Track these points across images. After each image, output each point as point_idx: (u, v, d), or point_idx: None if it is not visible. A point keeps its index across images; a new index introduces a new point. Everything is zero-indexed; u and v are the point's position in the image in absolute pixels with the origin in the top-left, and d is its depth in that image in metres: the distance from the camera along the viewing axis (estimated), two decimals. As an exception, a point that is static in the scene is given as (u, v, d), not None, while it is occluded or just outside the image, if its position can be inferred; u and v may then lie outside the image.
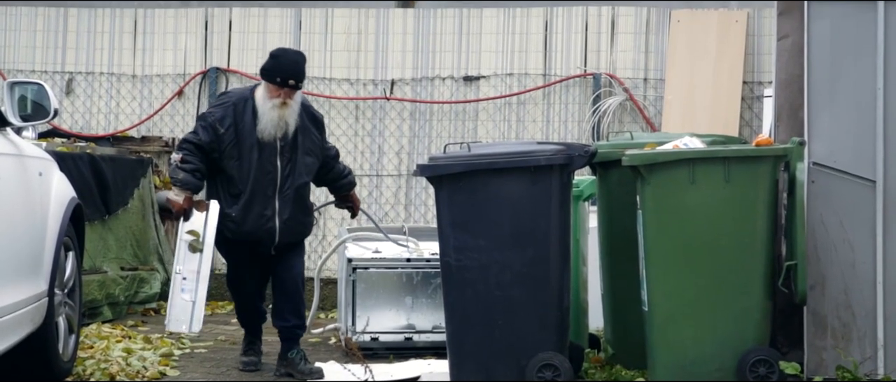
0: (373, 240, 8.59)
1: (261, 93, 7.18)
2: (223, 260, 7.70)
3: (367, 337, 8.14)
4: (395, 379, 7.24)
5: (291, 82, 7.12)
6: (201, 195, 7.45)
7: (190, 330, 7.03)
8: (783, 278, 6.69)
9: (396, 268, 8.22)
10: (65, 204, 7.12)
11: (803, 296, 6.68)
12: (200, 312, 7.01)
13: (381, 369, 7.28)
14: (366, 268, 8.21)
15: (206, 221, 7.11)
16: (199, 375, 7.42)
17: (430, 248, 8.22)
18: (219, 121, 7.15)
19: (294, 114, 7.19)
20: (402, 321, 8.15)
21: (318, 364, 7.41)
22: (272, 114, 7.13)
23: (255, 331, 7.56)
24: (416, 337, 8.14)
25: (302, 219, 7.36)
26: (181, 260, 7.08)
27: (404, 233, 8.74)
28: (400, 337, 8.15)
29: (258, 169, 7.15)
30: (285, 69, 7.14)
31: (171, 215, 7.38)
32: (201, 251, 7.06)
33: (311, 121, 7.34)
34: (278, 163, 7.18)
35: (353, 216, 7.91)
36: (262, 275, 7.47)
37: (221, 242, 7.27)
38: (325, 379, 7.23)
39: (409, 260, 8.19)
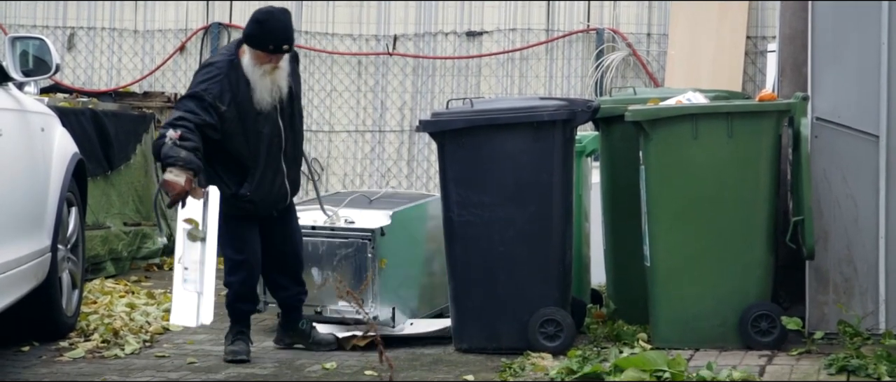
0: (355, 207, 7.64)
1: (249, 62, 6.52)
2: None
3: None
4: (405, 333, 7.22)
5: (285, 47, 6.50)
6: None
7: (197, 324, 6.47)
8: (790, 234, 6.68)
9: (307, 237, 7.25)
10: (67, 160, 7.12)
11: (811, 251, 6.68)
12: (209, 303, 6.37)
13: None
14: None
15: (205, 208, 6.42)
16: (201, 330, 7.43)
17: (358, 217, 7.31)
18: (218, 99, 6.46)
19: (285, 73, 6.61)
20: (311, 290, 7.21)
21: (328, 333, 7.02)
22: (265, 83, 6.53)
23: (246, 321, 6.86)
24: (325, 312, 7.28)
25: (300, 168, 6.95)
26: (182, 250, 6.37)
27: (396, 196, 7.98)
28: (310, 311, 7.25)
29: (267, 139, 6.61)
30: (277, 35, 6.47)
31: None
32: (203, 239, 6.36)
33: (295, 62, 6.79)
34: (281, 124, 6.64)
35: None
36: (259, 239, 6.85)
37: (228, 220, 6.58)
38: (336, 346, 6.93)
39: (314, 227, 7.26)
